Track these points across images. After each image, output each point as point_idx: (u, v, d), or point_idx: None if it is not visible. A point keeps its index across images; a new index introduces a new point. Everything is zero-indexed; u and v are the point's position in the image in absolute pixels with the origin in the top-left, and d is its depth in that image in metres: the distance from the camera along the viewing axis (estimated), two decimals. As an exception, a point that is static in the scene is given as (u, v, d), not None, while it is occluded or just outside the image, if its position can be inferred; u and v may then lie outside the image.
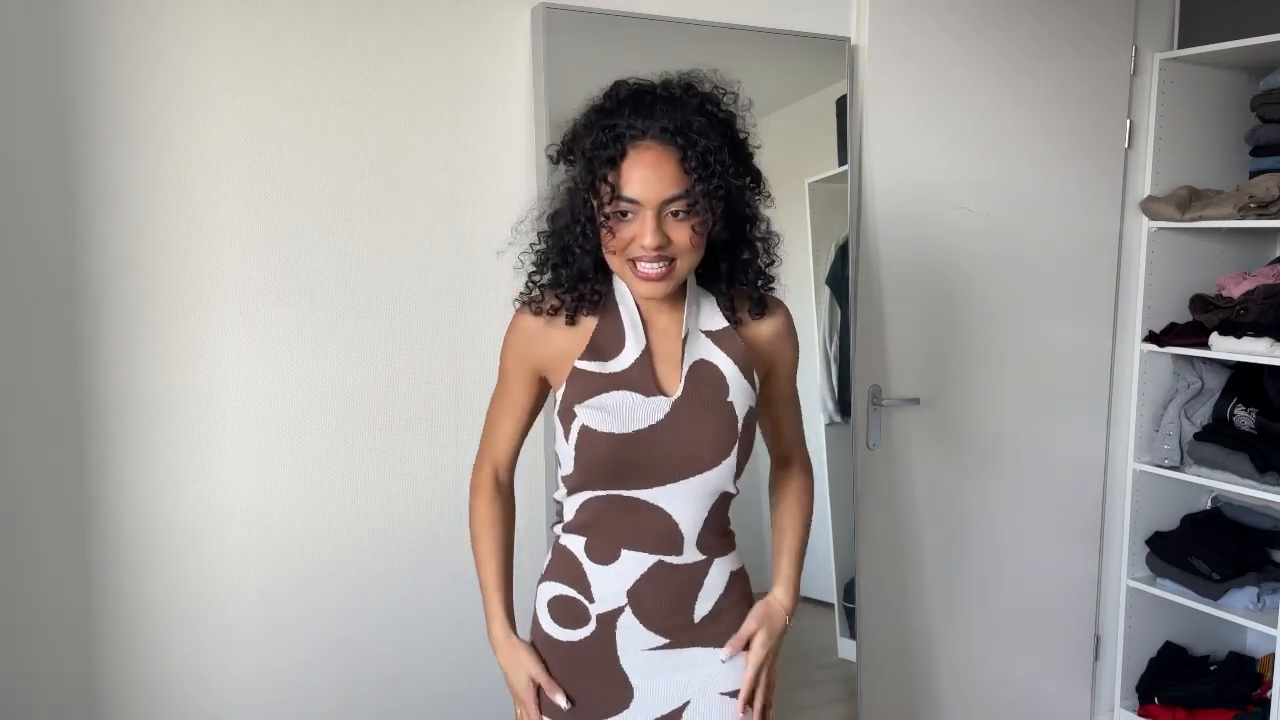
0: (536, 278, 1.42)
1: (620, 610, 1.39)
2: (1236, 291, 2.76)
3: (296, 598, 2.06)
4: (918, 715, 2.75)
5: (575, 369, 1.37)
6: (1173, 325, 2.89)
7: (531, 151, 2.17)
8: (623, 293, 1.40)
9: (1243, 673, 2.90)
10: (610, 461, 1.35)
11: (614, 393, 1.35)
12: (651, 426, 1.35)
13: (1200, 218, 2.76)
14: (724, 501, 1.43)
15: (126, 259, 1.87)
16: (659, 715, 1.41)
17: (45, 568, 1.87)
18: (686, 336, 1.39)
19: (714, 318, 1.42)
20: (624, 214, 1.28)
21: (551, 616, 1.45)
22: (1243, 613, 2.73)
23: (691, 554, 1.40)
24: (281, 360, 2.01)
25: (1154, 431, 2.95)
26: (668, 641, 1.40)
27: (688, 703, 1.41)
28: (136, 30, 1.84)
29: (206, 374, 1.95)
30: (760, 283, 1.43)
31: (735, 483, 1.42)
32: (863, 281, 2.53)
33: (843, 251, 2.49)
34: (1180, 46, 2.89)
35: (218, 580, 2.00)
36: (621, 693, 1.40)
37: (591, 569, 1.40)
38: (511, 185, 2.17)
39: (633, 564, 1.38)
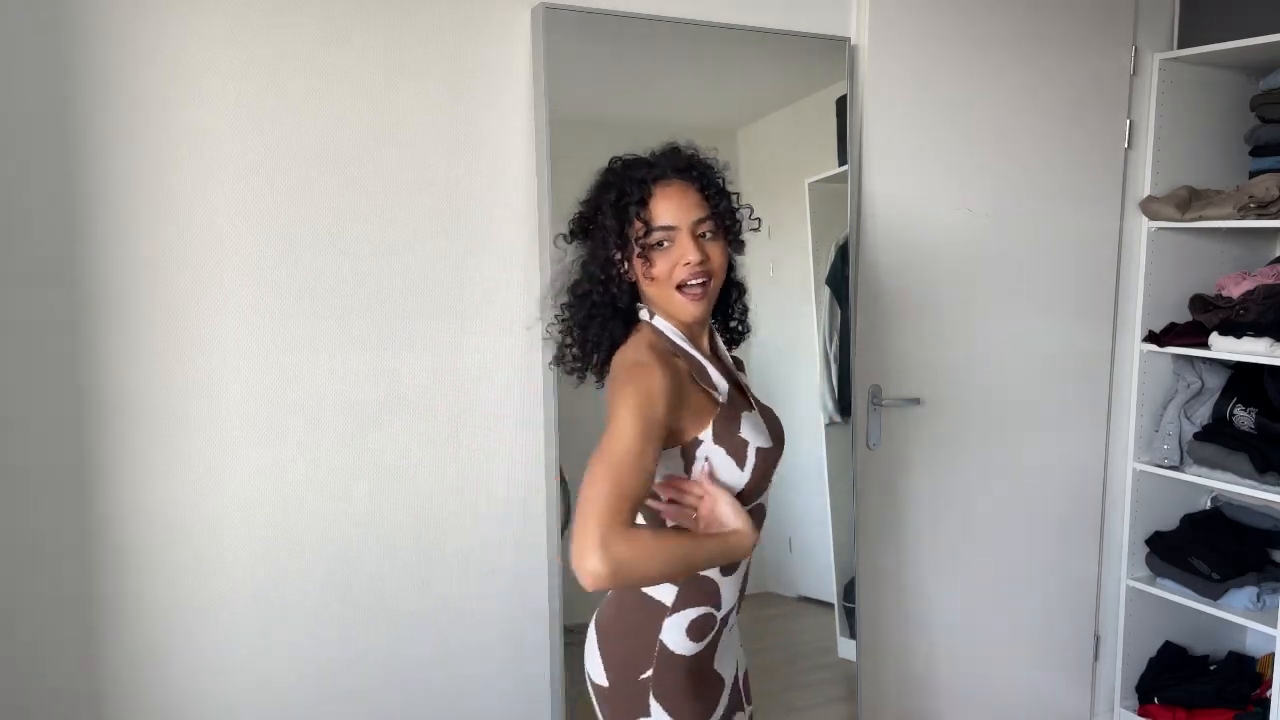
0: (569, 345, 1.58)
1: (732, 611, 1.55)
2: (1236, 291, 2.76)
3: (296, 596, 2.06)
4: (918, 715, 2.75)
5: (729, 394, 1.50)
6: (1172, 325, 2.89)
7: (531, 151, 2.17)
8: (665, 331, 1.51)
9: (1242, 672, 2.90)
10: (772, 472, 1.53)
11: (746, 414, 1.51)
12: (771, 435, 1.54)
13: (1200, 218, 2.76)
14: None
15: (126, 257, 1.87)
16: (732, 687, 1.58)
17: (45, 567, 1.87)
18: (724, 354, 1.60)
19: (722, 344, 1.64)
20: (660, 244, 1.46)
21: (688, 635, 1.50)
22: (1242, 613, 2.73)
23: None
24: (281, 357, 2.01)
25: (1154, 431, 2.95)
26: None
27: (745, 670, 1.65)
28: (134, 27, 1.84)
29: (206, 371, 1.95)
30: (745, 318, 1.68)
31: None
32: (863, 281, 2.53)
33: (843, 251, 2.49)
34: (1180, 46, 2.89)
35: (218, 578, 2.00)
36: (718, 687, 1.55)
37: (721, 580, 1.52)
38: (511, 185, 2.17)
39: (743, 566, 1.54)
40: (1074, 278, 2.83)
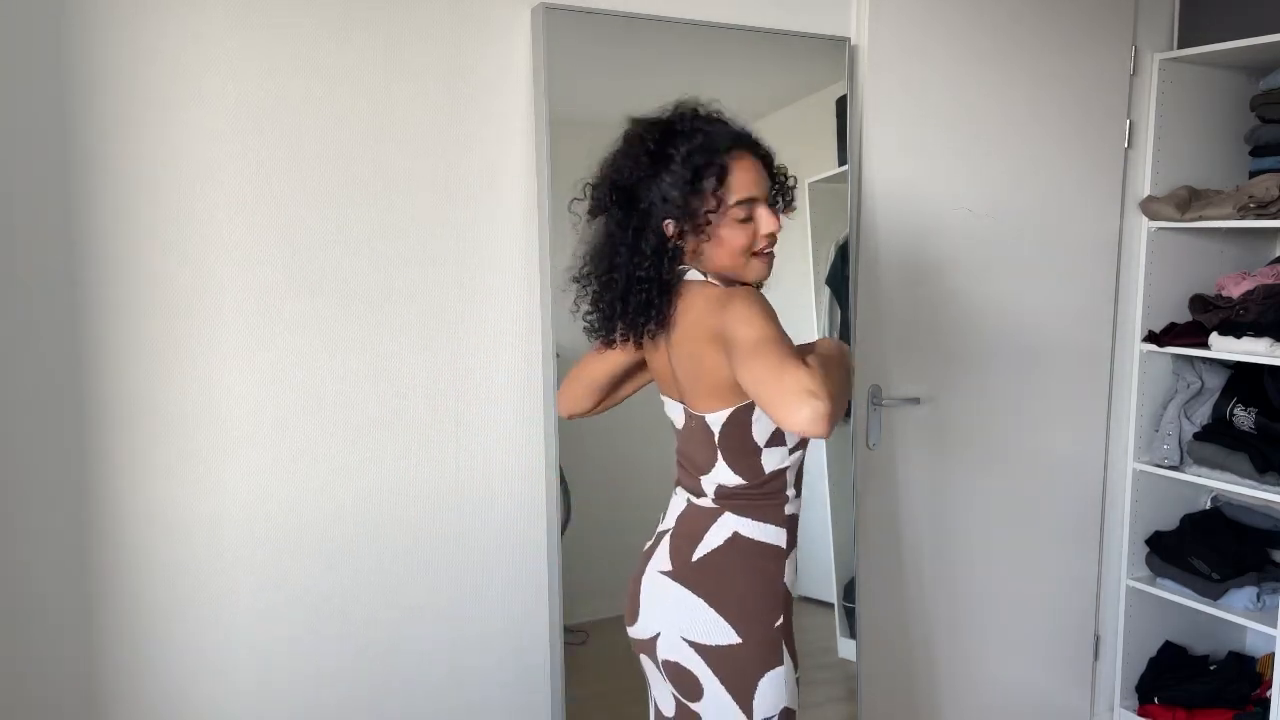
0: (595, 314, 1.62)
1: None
2: (1236, 291, 2.75)
3: (296, 594, 2.06)
4: (918, 715, 2.75)
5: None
6: (1172, 325, 2.89)
7: (531, 151, 2.17)
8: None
9: (1242, 672, 2.90)
10: None
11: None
12: None
13: (1200, 218, 2.76)
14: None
15: (125, 256, 1.87)
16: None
17: (45, 567, 1.87)
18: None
19: None
20: (745, 218, 1.52)
21: (792, 573, 1.66)
22: (1242, 612, 2.73)
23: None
24: (281, 357, 2.01)
25: (1154, 431, 2.95)
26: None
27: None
28: (134, 27, 1.84)
29: (206, 371, 1.95)
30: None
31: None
32: (863, 281, 2.53)
33: (843, 251, 2.49)
34: (1180, 46, 2.89)
35: (218, 578, 2.00)
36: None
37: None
38: (511, 185, 2.17)
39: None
40: (1074, 278, 2.83)
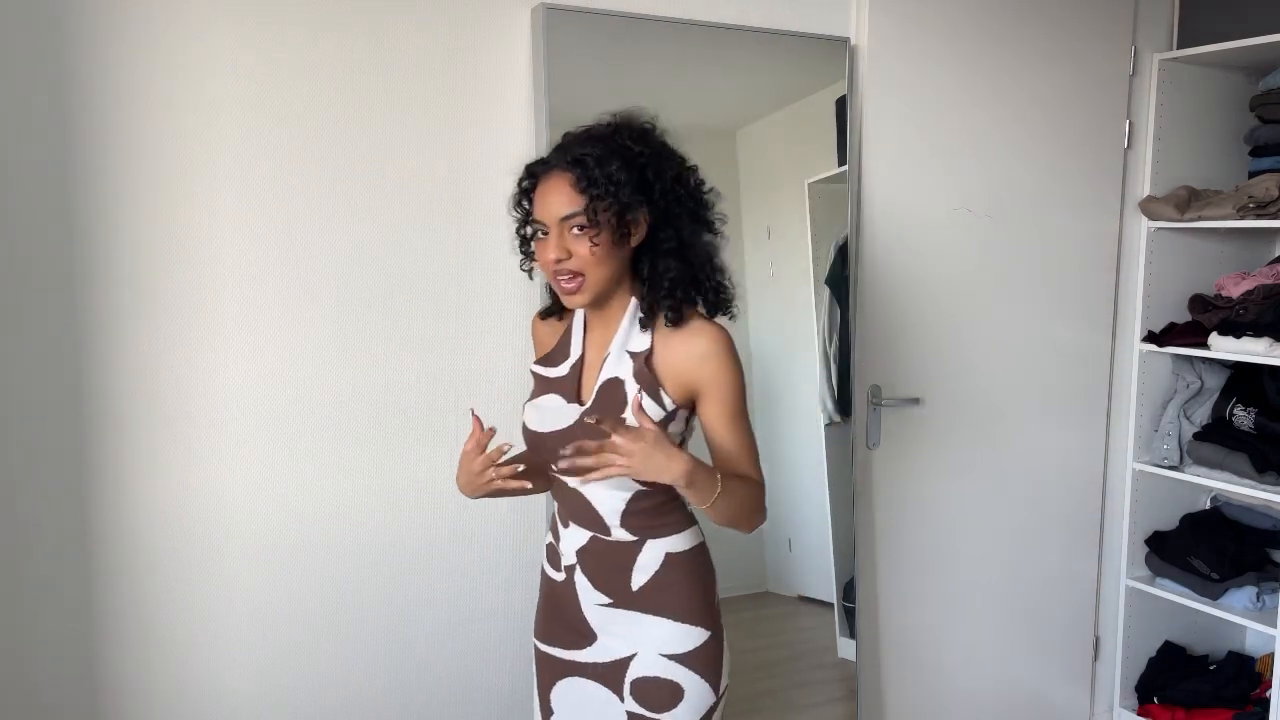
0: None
1: (574, 566, 1.60)
2: (1235, 291, 2.76)
3: (297, 594, 2.06)
4: (917, 715, 2.75)
5: (531, 371, 1.65)
6: (1172, 325, 2.89)
7: (531, 151, 2.17)
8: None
9: (1242, 672, 2.90)
10: (535, 453, 1.59)
11: (548, 395, 1.59)
12: (564, 429, 1.54)
13: (1199, 218, 2.76)
14: (647, 494, 1.55)
15: (125, 257, 1.87)
16: (610, 660, 1.60)
17: (45, 567, 1.87)
18: (609, 353, 1.54)
19: (642, 337, 1.54)
20: (539, 235, 1.51)
21: (546, 558, 1.70)
22: (1242, 612, 2.73)
23: (620, 534, 1.57)
24: (281, 357, 2.01)
25: (1153, 431, 2.95)
26: (611, 601, 1.58)
27: (633, 657, 1.58)
28: (134, 29, 1.84)
29: (206, 371, 1.95)
30: (679, 294, 1.52)
31: (636, 494, 1.55)
32: (863, 281, 2.53)
33: (842, 251, 2.50)
34: (1180, 47, 2.89)
35: (218, 577, 2.00)
36: (585, 633, 1.61)
37: (559, 529, 1.64)
38: (511, 185, 2.16)
39: (577, 534, 1.60)
40: (1074, 278, 2.83)
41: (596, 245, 1.46)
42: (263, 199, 1.97)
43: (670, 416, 1.52)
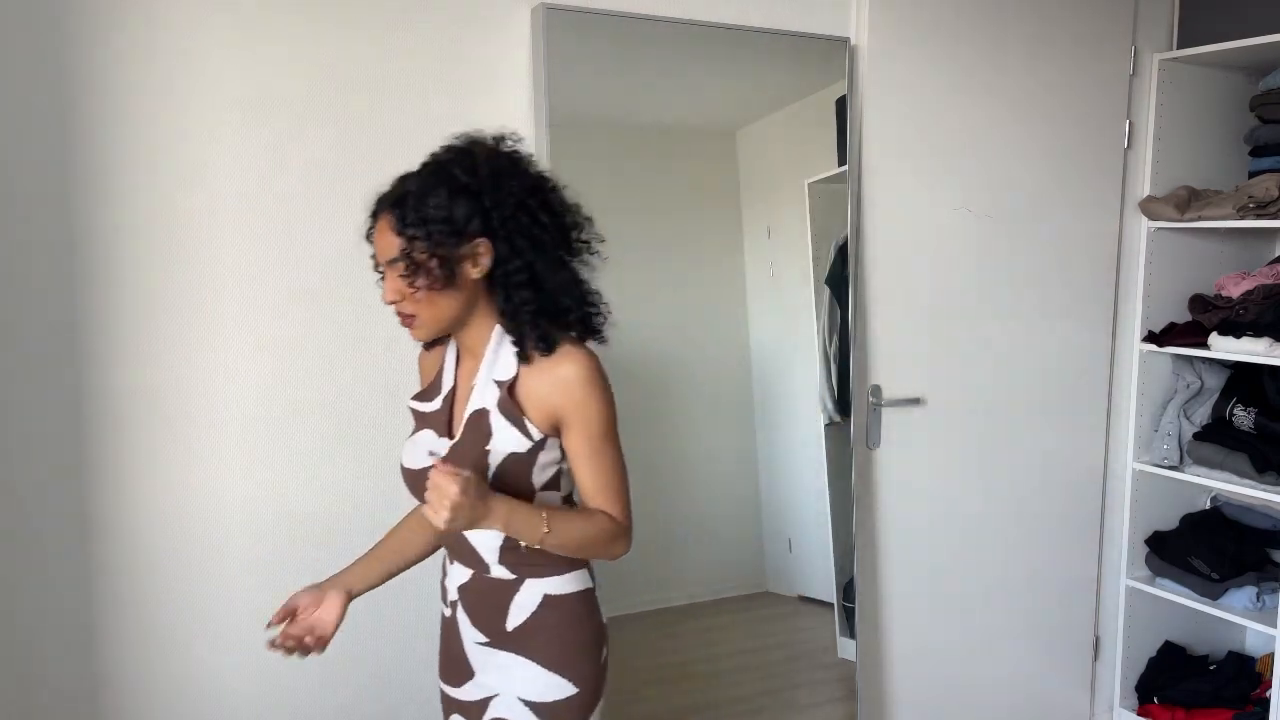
0: None
1: (457, 603, 1.56)
2: (1235, 291, 2.76)
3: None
4: (917, 715, 2.75)
5: (408, 407, 1.58)
6: (1172, 325, 2.89)
7: (531, 151, 2.16)
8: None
9: (1242, 672, 2.90)
10: (412, 492, 1.51)
11: (423, 431, 1.53)
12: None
13: (1199, 218, 2.76)
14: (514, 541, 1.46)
15: (125, 257, 1.87)
16: (477, 699, 1.55)
17: (45, 567, 1.87)
18: (475, 384, 1.48)
19: (509, 365, 1.46)
20: (380, 274, 1.45)
21: (440, 594, 1.63)
22: (1242, 612, 2.73)
23: (500, 572, 1.50)
24: (281, 357, 2.01)
25: (1153, 431, 2.95)
26: (488, 640, 1.53)
27: (494, 697, 1.53)
28: (134, 28, 1.84)
29: (206, 371, 1.95)
30: (542, 324, 1.43)
31: None
32: (863, 281, 2.53)
33: (842, 251, 2.50)
34: (1180, 47, 2.89)
35: (218, 578, 2.00)
36: (465, 671, 1.57)
37: (446, 566, 1.60)
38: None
39: (459, 571, 1.54)
40: (1074, 278, 2.83)
41: (416, 290, 1.39)
42: (263, 199, 1.97)
43: (539, 446, 1.44)
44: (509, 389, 1.44)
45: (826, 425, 2.54)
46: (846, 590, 2.56)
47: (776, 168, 2.49)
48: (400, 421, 2.11)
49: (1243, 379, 2.84)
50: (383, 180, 2.05)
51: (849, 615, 2.56)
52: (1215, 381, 2.89)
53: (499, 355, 1.46)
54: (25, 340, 1.82)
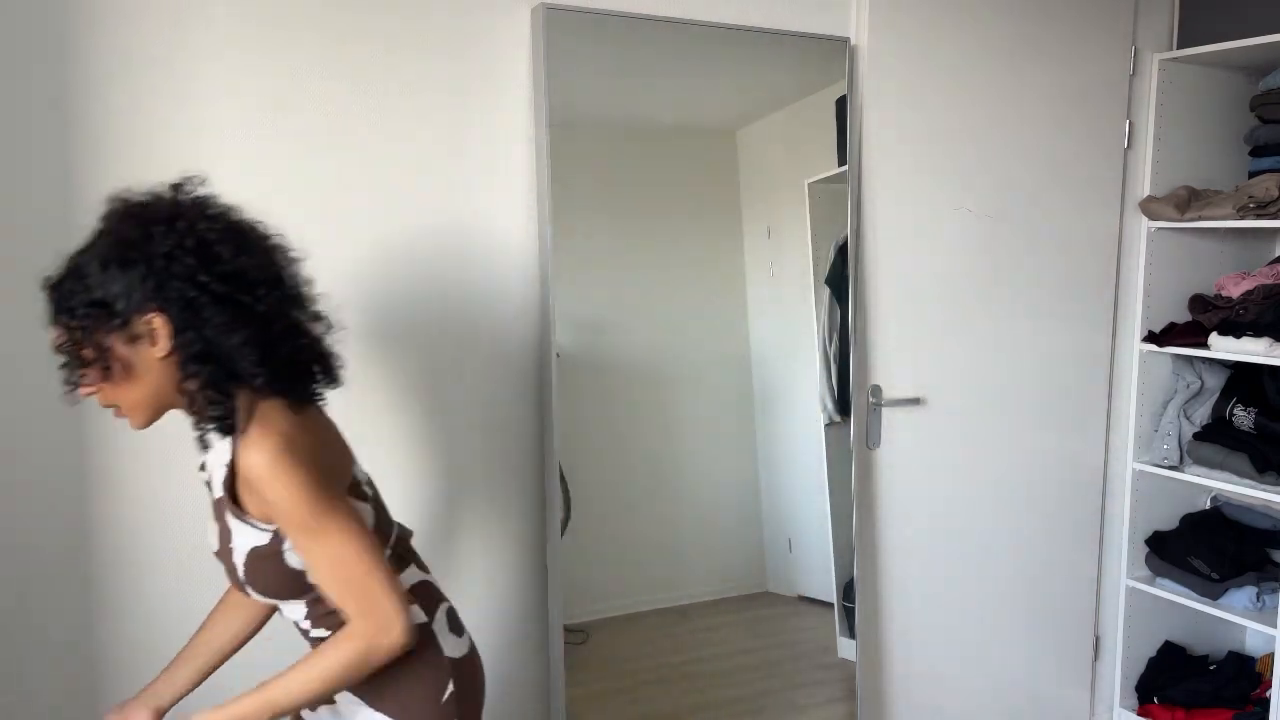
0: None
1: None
2: (1235, 291, 2.76)
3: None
4: (917, 715, 2.75)
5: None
6: (1172, 325, 2.89)
7: (531, 152, 2.17)
8: None
9: (1242, 672, 2.90)
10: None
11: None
12: (216, 550, 1.40)
13: (1199, 218, 2.76)
14: (318, 599, 1.38)
15: (127, 259, 1.87)
16: None
17: (45, 567, 1.87)
18: (211, 467, 1.37)
19: (224, 445, 1.32)
20: None
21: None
22: (1242, 612, 2.73)
23: (320, 633, 1.44)
24: (282, 360, 2.01)
25: (1153, 431, 2.95)
26: None
27: None
28: (134, 30, 1.84)
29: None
30: (219, 408, 1.27)
31: (307, 601, 1.39)
32: (863, 281, 2.53)
33: (842, 251, 2.50)
34: (1180, 47, 2.89)
35: (216, 579, 1.99)
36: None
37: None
38: (511, 186, 2.17)
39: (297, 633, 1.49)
40: (1074, 278, 2.83)
41: (87, 380, 1.25)
42: (263, 199, 1.96)
43: (279, 535, 1.29)
44: (229, 479, 1.30)
45: (826, 425, 2.54)
46: (846, 590, 2.56)
47: (776, 168, 2.49)
48: (400, 420, 2.12)
49: (1243, 379, 2.84)
50: (383, 179, 2.06)
51: (849, 615, 2.56)
52: (1215, 381, 2.89)
53: (216, 435, 1.30)
54: (26, 340, 1.82)
